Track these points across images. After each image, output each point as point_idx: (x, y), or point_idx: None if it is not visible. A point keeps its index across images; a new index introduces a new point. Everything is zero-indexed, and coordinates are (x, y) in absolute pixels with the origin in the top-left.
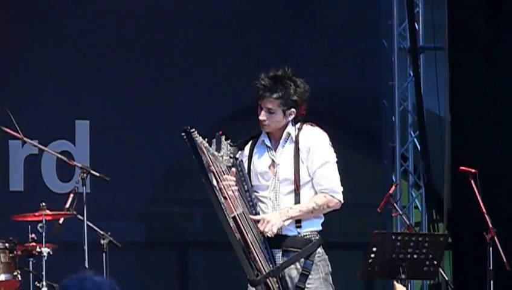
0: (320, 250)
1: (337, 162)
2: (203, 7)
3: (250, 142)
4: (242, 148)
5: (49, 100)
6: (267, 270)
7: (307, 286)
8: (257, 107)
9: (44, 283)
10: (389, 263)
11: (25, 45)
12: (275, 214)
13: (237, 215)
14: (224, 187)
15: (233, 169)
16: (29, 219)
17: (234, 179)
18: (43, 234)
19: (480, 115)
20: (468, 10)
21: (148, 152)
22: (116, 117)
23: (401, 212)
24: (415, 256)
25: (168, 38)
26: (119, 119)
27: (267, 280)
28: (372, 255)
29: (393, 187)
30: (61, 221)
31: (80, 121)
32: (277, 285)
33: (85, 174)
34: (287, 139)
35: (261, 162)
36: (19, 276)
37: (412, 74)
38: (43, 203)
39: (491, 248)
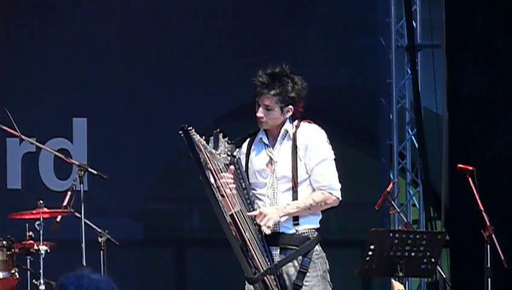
0: (318, 248)
1: (335, 159)
2: (200, 6)
3: (247, 140)
4: (240, 146)
5: (47, 98)
6: (264, 268)
7: (304, 283)
8: (255, 104)
9: (42, 280)
10: (387, 260)
11: (23, 44)
12: (272, 209)
13: (235, 213)
14: (221, 185)
15: (232, 167)
16: (26, 216)
17: (232, 176)
18: (41, 232)
19: (477, 113)
20: (465, 8)
21: (145, 150)
22: (113, 115)
23: (398, 210)
24: (412, 254)
25: (166, 37)
26: (116, 117)
27: (265, 278)
28: (370, 253)
29: (391, 185)
30: (58, 219)
31: (77, 118)
32: (275, 283)
33: (82, 172)
34: (285, 137)
35: (258, 160)
36: (16, 274)
37: (409, 72)
38: (41, 201)
39: (488, 246)
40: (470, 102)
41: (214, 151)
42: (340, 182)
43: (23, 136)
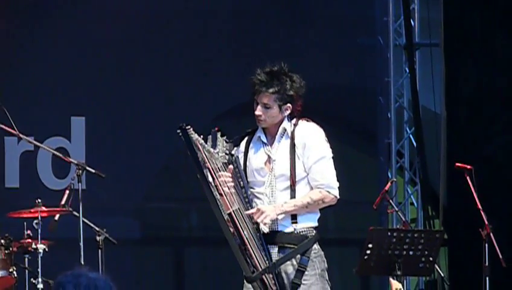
0: (316, 246)
1: (333, 158)
2: (199, 5)
3: (246, 138)
4: (238, 145)
5: (45, 97)
6: (263, 267)
7: (303, 282)
8: (253, 103)
9: (39, 279)
10: (385, 259)
11: (21, 43)
12: (270, 207)
13: (233, 211)
14: (220, 184)
15: (230, 166)
16: (24, 215)
17: (230, 175)
18: (39, 230)
19: (475, 111)
20: (463, 6)
21: (143, 149)
22: (111, 114)
23: (396, 209)
24: (410, 252)
25: (164, 36)
26: (114, 116)
27: (263, 277)
28: (368, 252)
29: (389, 184)
30: (56, 217)
31: (75, 117)
32: (273, 281)
33: (81, 171)
34: (283, 135)
35: (256, 158)
36: (14, 272)
37: (407, 71)
38: (39, 200)
39: (486, 245)
40: (468, 101)
41: (212, 150)
42: (338, 180)
43: (21, 135)
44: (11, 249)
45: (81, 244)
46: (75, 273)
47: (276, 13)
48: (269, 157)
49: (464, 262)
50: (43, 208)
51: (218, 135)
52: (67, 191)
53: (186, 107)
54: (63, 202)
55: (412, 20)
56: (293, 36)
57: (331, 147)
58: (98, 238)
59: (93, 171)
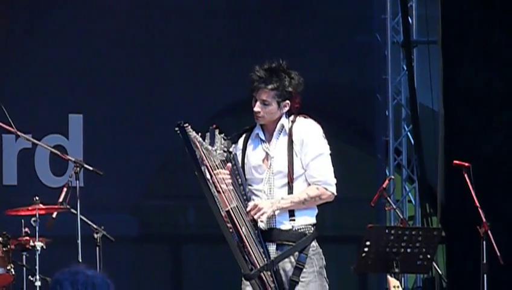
0: (314, 244)
1: (330, 155)
2: (197, 2)
3: (243, 135)
4: (236, 142)
5: (43, 94)
6: (261, 264)
7: (301, 279)
8: (251, 99)
9: (37, 277)
10: (383, 257)
11: (19, 40)
12: (267, 202)
13: (231, 209)
14: (218, 181)
15: (229, 164)
16: (22, 213)
17: (228, 172)
18: (37, 228)
19: (473, 109)
20: (461, 4)
21: (141, 146)
22: (109, 111)
23: (394, 206)
24: (408, 250)
25: (162, 32)
26: (112, 114)
27: (261, 274)
28: (366, 249)
29: (387, 181)
30: (54, 215)
31: (73, 115)
32: (271, 279)
33: (78, 168)
34: (281, 131)
35: (254, 156)
36: (12, 270)
37: (405, 68)
38: (37, 198)
39: (484, 242)
40: (465, 98)
41: (210, 147)
42: (335, 177)
43: (19, 133)
44: (8, 246)
45: (79, 241)
46: (73, 271)
47: (274, 11)
48: (267, 154)
49: (462, 259)
50: (41, 206)
51: (216, 132)
52: (65, 189)
53: (184, 105)
54: (60, 200)
55: (409, 18)
56: (291, 34)
57: (328, 145)
58: (95, 235)
59: (91, 168)
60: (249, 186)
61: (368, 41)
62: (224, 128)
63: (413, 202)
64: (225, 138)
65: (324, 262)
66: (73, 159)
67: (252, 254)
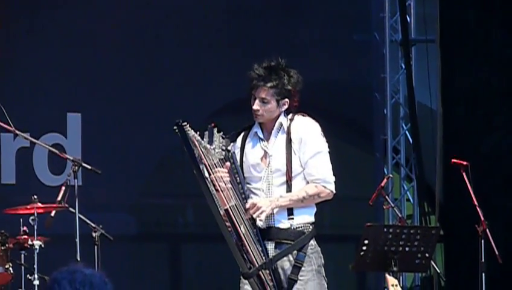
0: (313, 242)
1: (329, 153)
2: (195, 1)
3: (242, 134)
4: (234, 140)
5: (41, 93)
6: (259, 263)
7: (299, 278)
8: (250, 97)
9: (36, 275)
10: (381, 255)
11: (17, 39)
12: (265, 201)
13: (230, 207)
14: (216, 179)
15: (228, 163)
16: (20, 211)
17: (226, 171)
18: (35, 226)
19: (471, 107)
20: (459, 2)
21: (140, 145)
22: (107, 110)
23: (392, 205)
24: (406, 249)
25: (160, 31)
26: (110, 112)
27: (260, 273)
28: (364, 248)
29: (385, 180)
30: (52, 214)
31: (71, 113)
32: (270, 277)
33: (77, 167)
34: (279, 130)
35: (253, 154)
36: (10, 269)
37: (403, 67)
38: (35, 196)
39: (482, 241)
40: (464, 97)
41: (208, 146)
42: (334, 175)
43: (17, 131)
44: (7, 245)
45: (77, 240)
46: (70, 270)
47: (272, 10)
48: (265, 152)
49: (460, 258)
50: (39, 205)
51: (215, 131)
52: (63, 188)
53: (183, 104)
54: (59, 198)
55: (408, 16)
56: (289, 32)
57: (327, 143)
58: (94, 234)
59: (89, 167)
60: (248, 185)
61: (366, 40)
62: (223, 127)
63: (411, 200)
64: (223, 136)
65: (323, 261)
66: (71, 158)
67: (251, 252)
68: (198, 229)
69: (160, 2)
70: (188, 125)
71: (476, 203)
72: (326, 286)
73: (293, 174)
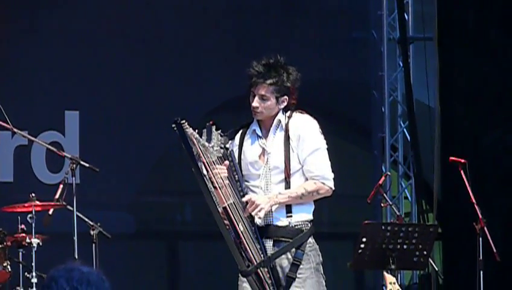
0: (311, 240)
1: (327, 149)
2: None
3: (240, 131)
4: (232, 138)
5: (39, 91)
6: (258, 261)
7: (298, 275)
8: (249, 95)
9: (34, 273)
10: (379, 253)
11: (15, 36)
12: (264, 198)
13: (228, 205)
14: (214, 177)
15: (226, 162)
16: (18, 209)
17: (225, 169)
18: (33, 225)
19: (469, 105)
20: (457, 0)
21: (138, 143)
22: (105, 108)
23: (390, 203)
24: (404, 246)
25: (157, 29)
26: (108, 110)
27: (258, 271)
28: (362, 246)
29: (383, 177)
30: (50, 212)
31: (69, 111)
32: (268, 275)
33: (75, 165)
34: (278, 127)
35: (251, 152)
36: (8, 267)
37: (401, 65)
38: (33, 194)
39: (480, 239)
40: (462, 95)
41: (207, 144)
42: (332, 172)
43: (15, 129)
44: (5, 243)
45: (75, 238)
46: (68, 268)
47: (271, 7)
48: (264, 150)
49: (458, 256)
50: (37, 203)
51: (213, 128)
52: (61, 186)
53: (181, 101)
54: (57, 196)
55: (405, 14)
56: (287, 30)
57: (325, 140)
58: (92, 232)
59: (87, 165)
60: (246, 183)
61: (364, 38)
62: (221, 124)
63: (409, 198)
64: (222, 134)
65: (321, 258)
66: (69, 156)
67: (249, 250)
68: (196, 227)
69: (160, 1)
70: (186, 123)
71: (474, 201)
72: (324, 283)
73: (291, 172)
